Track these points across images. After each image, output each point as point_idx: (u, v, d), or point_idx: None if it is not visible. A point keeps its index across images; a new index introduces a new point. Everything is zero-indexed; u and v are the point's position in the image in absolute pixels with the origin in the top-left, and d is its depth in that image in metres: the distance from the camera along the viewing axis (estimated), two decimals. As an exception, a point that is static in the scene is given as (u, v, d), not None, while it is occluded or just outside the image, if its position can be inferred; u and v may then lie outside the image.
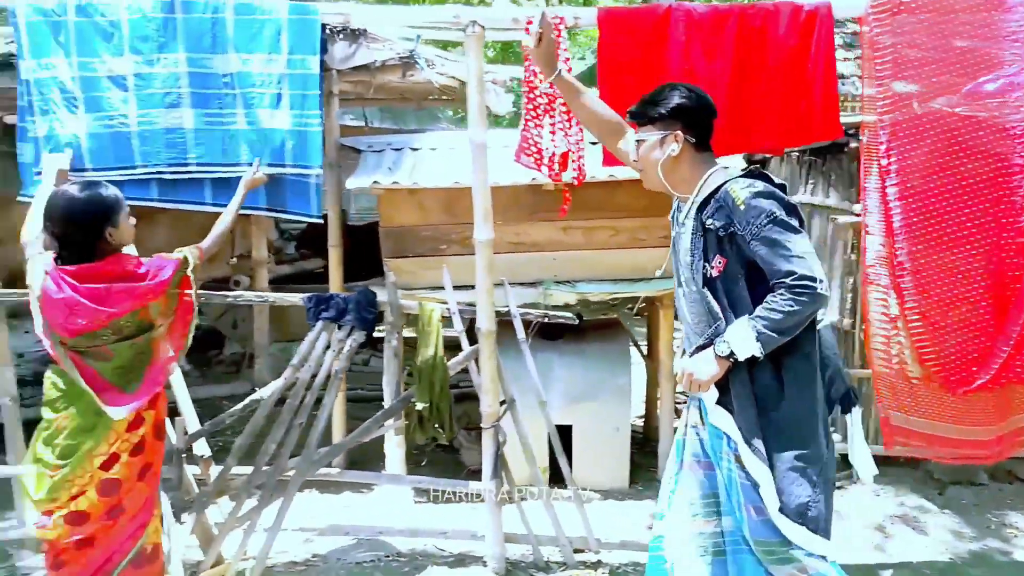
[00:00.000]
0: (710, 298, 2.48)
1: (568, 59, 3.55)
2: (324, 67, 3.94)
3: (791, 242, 2.36)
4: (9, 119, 4.79)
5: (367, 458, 4.77)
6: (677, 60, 3.53)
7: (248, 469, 3.72)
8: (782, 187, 2.53)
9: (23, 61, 3.66)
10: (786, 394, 2.45)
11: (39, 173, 3.64)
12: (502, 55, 12.73)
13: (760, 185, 2.46)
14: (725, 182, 2.48)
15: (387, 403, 4.34)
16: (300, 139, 3.79)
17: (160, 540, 3.08)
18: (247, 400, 3.80)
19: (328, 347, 3.78)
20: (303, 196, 3.86)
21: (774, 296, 2.36)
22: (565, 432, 4.40)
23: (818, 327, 2.52)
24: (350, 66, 4.38)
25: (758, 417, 2.46)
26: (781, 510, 2.40)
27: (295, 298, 3.89)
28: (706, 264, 2.50)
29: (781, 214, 2.39)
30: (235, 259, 6.79)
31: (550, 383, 4.43)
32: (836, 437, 2.98)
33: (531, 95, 3.62)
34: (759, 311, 2.38)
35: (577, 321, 4.01)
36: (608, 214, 4.53)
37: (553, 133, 3.62)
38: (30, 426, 3.01)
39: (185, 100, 3.73)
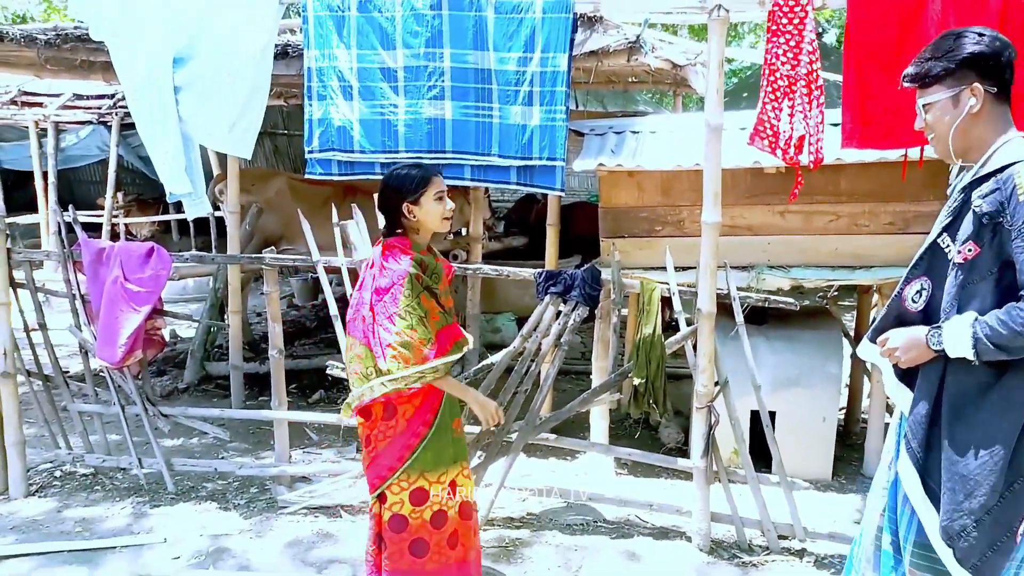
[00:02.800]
0: (947, 283, 2.19)
1: (814, 40, 3.44)
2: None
3: None
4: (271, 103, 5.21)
5: (567, 427, 4.90)
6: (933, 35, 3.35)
7: (476, 429, 3.93)
8: None
9: (308, 51, 4.03)
10: (981, 413, 2.15)
11: (311, 152, 4.00)
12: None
13: None
14: (1016, 162, 2.09)
15: (594, 378, 4.45)
16: (547, 134, 3.98)
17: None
18: (479, 365, 4.00)
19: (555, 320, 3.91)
20: (549, 175, 4.02)
21: (1012, 307, 2.05)
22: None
23: None
24: (582, 52, 4.46)
25: (931, 423, 2.22)
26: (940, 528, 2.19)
27: (527, 272, 4.05)
28: (951, 243, 2.19)
29: None
30: (453, 235, 7.15)
31: (756, 368, 4.37)
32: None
33: (771, 77, 3.55)
34: (989, 316, 2.08)
35: (798, 306, 3.92)
36: (829, 198, 4.40)
37: (792, 116, 3.54)
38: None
39: (447, 93, 3.97)
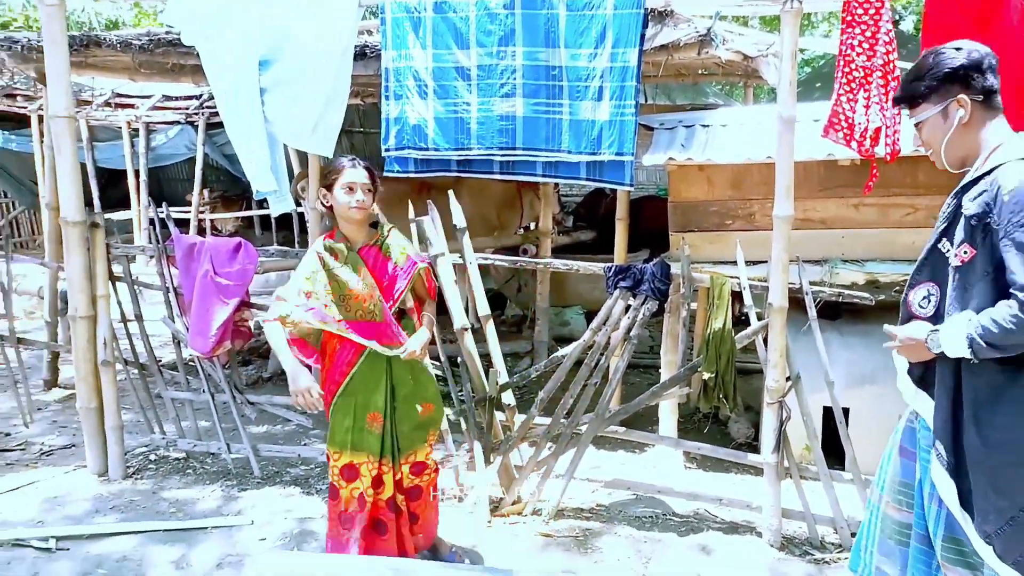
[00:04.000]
0: (949, 285, 2.21)
1: (890, 30, 3.36)
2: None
3: None
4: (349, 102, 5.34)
5: (636, 421, 4.89)
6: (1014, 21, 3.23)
7: (547, 420, 3.96)
8: None
9: (385, 52, 4.11)
10: (1000, 414, 2.14)
11: (388, 150, 4.08)
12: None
13: None
14: (1005, 163, 2.13)
15: (663, 372, 4.43)
16: (617, 129, 3.96)
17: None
18: (550, 358, 4.04)
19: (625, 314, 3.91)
20: (619, 170, 4.02)
21: (1001, 305, 2.06)
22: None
23: None
24: (652, 46, 4.43)
25: (956, 426, 2.21)
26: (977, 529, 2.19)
27: (596, 267, 4.06)
28: (950, 247, 2.22)
29: None
30: (523, 230, 7.19)
31: (829, 364, 4.28)
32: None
33: (846, 68, 3.47)
34: (982, 316, 2.09)
35: (873, 301, 3.83)
36: (907, 191, 4.28)
37: (867, 107, 3.46)
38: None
39: (518, 91, 4.00)
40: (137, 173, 10.54)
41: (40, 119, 10.17)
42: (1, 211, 12.65)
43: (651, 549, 3.61)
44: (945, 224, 2.27)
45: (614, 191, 7.55)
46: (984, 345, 2.07)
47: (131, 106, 10.20)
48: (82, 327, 4.22)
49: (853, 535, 3.67)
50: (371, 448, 3.15)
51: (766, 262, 3.70)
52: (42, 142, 9.88)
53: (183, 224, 9.42)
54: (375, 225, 3.28)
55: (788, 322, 3.65)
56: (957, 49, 2.25)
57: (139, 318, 4.53)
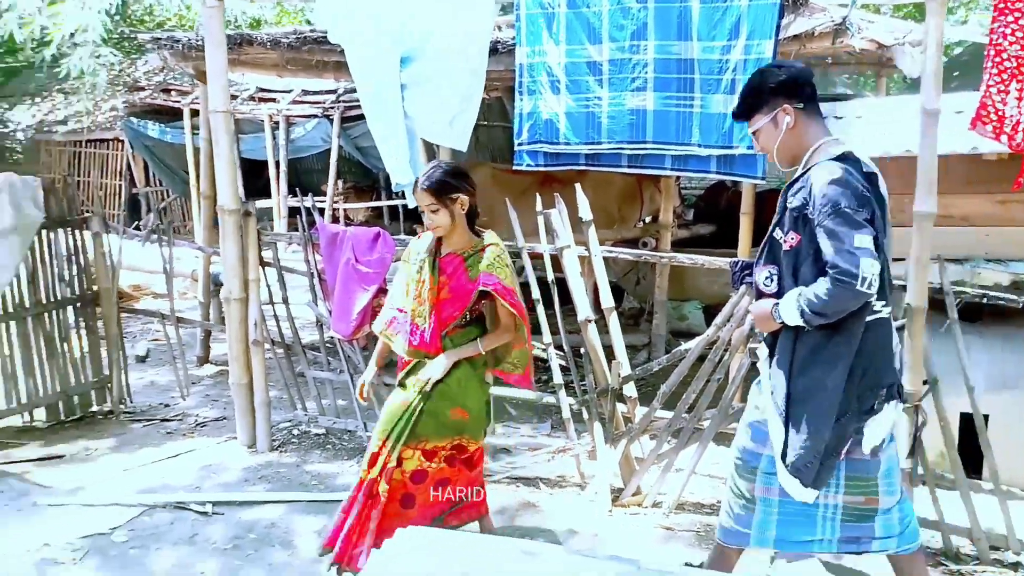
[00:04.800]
0: (784, 267, 2.59)
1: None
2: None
3: (847, 236, 2.37)
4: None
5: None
6: None
7: (669, 414, 3.94)
8: (871, 175, 2.53)
9: (520, 48, 4.17)
10: (815, 368, 2.54)
11: (520, 144, 4.15)
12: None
13: (840, 172, 2.44)
14: (817, 163, 2.53)
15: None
16: None
17: None
18: (673, 351, 4.00)
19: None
20: (750, 163, 3.94)
21: (820, 282, 2.43)
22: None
23: (870, 318, 2.52)
24: (785, 36, 4.30)
25: (789, 379, 2.60)
26: (785, 462, 2.60)
27: (721, 261, 4.00)
28: (781, 235, 2.58)
29: (847, 206, 2.39)
30: (642, 223, 7.12)
31: (970, 368, 4.05)
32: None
33: (997, 58, 3.27)
34: (807, 290, 2.47)
35: (1021, 303, 3.60)
36: (1059, 187, 3.97)
37: (1020, 99, 3.25)
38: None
39: (649, 84, 3.98)
40: (277, 164, 11.04)
41: (192, 113, 10.83)
42: (156, 199, 13.55)
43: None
44: (779, 216, 2.63)
45: (735, 185, 7.38)
46: (812, 314, 2.44)
47: (273, 100, 10.69)
48: (235, 308, 4.49)
49: (992, 548, 3.49)
50: (384, 428, 3.18)
51: (904, 260, 3.54)
52: (193, 134, 10.54)
53: (318, 214, 9.81)
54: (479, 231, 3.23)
55: (926, 324, 3.49)
56: (779, 67, 2.68)
57: (285, 301, 4.77)
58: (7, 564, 3.31)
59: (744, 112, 2.71)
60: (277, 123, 10.72)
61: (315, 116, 10.70)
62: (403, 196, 4.86)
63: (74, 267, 5.09)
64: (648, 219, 7.27)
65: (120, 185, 14.06)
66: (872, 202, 2.45)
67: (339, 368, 4.79)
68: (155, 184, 13.57)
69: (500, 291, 3.08)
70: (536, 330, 4.93)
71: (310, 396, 4.94)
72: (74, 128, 14.10)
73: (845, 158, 2.51)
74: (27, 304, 4.84)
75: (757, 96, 2.65)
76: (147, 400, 5.55)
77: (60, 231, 4.99)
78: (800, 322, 2.48)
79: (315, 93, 10.68)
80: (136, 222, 12.74)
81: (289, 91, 10.76)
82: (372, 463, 3.17)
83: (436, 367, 3.11)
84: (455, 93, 4.11)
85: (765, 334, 2.76)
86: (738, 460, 2.82)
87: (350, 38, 4.21)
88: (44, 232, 4.88)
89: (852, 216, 2.38)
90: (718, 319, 3.88)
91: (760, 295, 2.71)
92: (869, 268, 2.34)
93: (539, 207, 4.20)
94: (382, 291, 4.43)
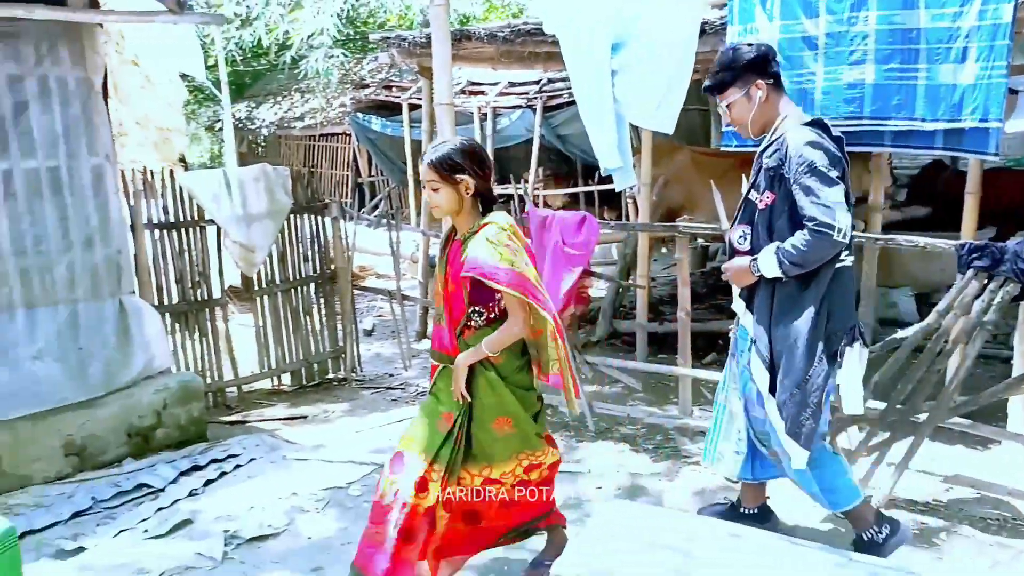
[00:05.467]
0: (760, 225, 2.84)
1: None
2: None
3: (823, 191, 2.61)
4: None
5: (973, 414, 4.36)
6: None
7: (881, 405, 3.69)
8: (839, 139, 2.75)
9: (731, 26, 4.08)
10: (793, 313, 2.80)
11: (728, 124, 4.04)
12: None
13: (813, 135, 2.70)
14: (788, 129, 2.77)
15: (1016, 362, 3.89)
16: (982, 93, 3.57)
17: None
18: (887, 340, 3.76)
19: (977, 296, 3.49)
20: (982, 138, 3.61)
21: (798, 234, 2.68)
22: None
23: (837, 265, 2.77)
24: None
25: (769, 328, 2.88)
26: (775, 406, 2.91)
27: (944, 244, 3.68)
28: (757, 195, 2.83)
29: (822, 164, 2.63)
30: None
31: None
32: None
33: None
34: (786, 243, 2.72)
35: None
36: None
37: None
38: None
39: (869, 57, 3.74)
40: (484, 153, 11.43)
41: (410, 107, 11.47)
42: (379, 188, 14.49)
43: (998, 554, 3.23)
44: (753, 179, 2.88)
45: (954, 164, 6.71)
46: (789, 264, 2.70)
47: (482, 93, 11.08)
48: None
49: None
50: (429, 445, 2.74)
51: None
52: (411, 127, 11.16)
53: (520, 200, 10.08)
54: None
55: None
56: (749, 45, 2.89)
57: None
58: (264, 508, 3.71)
59: (717, 87, 2.88)
60: (485, 114, 11.08)
61: (519, 107, 10.96)
62: (611, 180, 4.87)
63: (315, 249, 5.60)
64: (859, 199, 6.80)
65: (347, 175, 15.19)
66: (842, 161, 2.69)
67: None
68: (377, 174, 14.52)
69: (485, 274, 2.59)
70: (730, 314, 4.79)
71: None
72: (309, 124, 15.40)
73: (816, 123, 2.77)
74: (277, 280, 5.39)
75: (730, 72, 2.82)
76: (374, 370, 6.01)
77: (305, 216, 5.50)
78: (778, 273, 2.73)
79: (520, 84, 10.94)
80: (361, 209, 13.73)
81: (496, 83, 11.10)
82: (421, 487, 2.68)
83: (456, 378, 2.73)
84: (663, 76, 4.07)
85: (741, 289, 2.99)
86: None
87: (564, 27, 4.28)
88: (292, 217, 5.39)
89: (826, 174, 2.62)
90: (940, 305, 3.58)
91: (734, 253, 2.94)
92: (844, 219, 2.60)
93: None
94: (587, 273, 4.50)
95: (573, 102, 10.23)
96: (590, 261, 4.50)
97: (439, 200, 2.71)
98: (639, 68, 4.08)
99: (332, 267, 5.70)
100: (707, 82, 2.94)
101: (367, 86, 13.65)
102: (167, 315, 4.78)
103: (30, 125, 3.98)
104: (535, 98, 10.56)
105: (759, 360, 2.91)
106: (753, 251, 2.87)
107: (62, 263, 4.13)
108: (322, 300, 5.69)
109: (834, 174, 2.65)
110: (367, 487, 3.92)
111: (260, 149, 16.76)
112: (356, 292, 6.16)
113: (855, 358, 2.86)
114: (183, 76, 11.23)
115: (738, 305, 3.07)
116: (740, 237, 2.93)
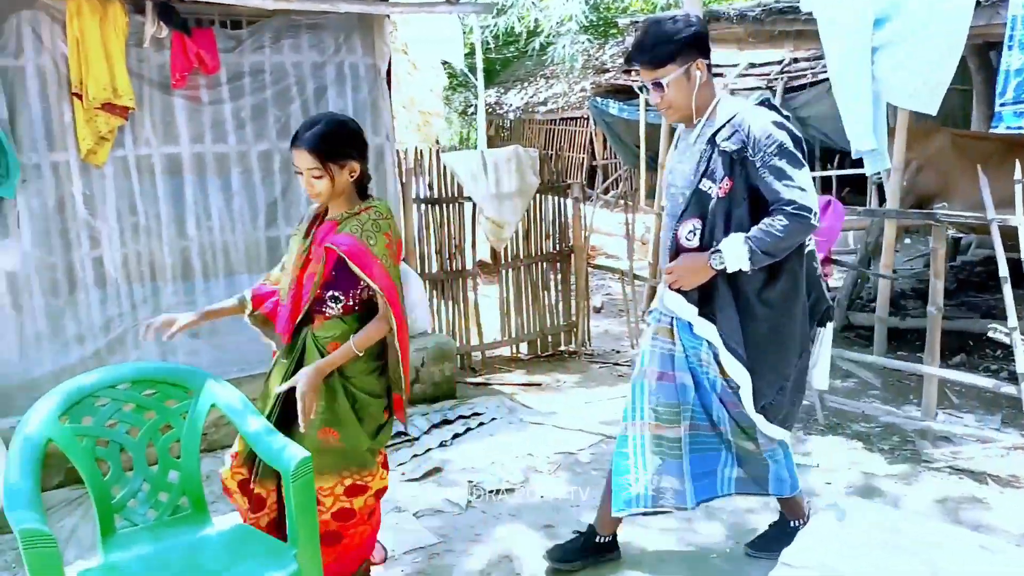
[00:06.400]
0: (716, 217, 2.49)
1: None
2: None
3: (796, 174, 2.39)
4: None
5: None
6: None
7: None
8: (788, 118, 2.53)
9: None
10: (773, 307, 2.54)
11: (1004, 104, 3.59)
12: None
13: (776, 116, 2.47)
14: (741, 110, 2.47)
15: None
16: None
17: None
18: None
19: None
20: None
21: (772, 220, 2.40)
22: None
23: (806, 250, 2.58)
24: None
25: (741, 326, 2.53)
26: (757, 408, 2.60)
27: None
28: (712, 184, 2.47)
29: (790, 145, 2.41)
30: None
31: None
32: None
33: None
34: (755, 231, 2.41)
35: None
36: None
37: None
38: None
39: None
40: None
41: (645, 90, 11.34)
42: (612, 170, 14.54)
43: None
44: (704, 167, 2.48)
45: None
46: (762, 254, 2.39)
47: (720, 75, 10.68)
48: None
49: None
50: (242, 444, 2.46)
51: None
52: (647, 111, 11.03)
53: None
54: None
55: None
56: (689, 16, 2.50)
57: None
58: (503, 465, 3.91)
59: (653, 62, 2.47)
60: (724, 96, 10.67)
61: (759, 88, 10.44)
62: (854, 164, 4.52)
63: (556, 227, 5.75)
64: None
65: (583, 158, 15.38)
66: (802, 142, 2.46)
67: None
68: (610, 156, 14.57)
69: (352, 252, 2.33)
70: (994, 313, 4.26)
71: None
72: (551, 108, 15.77)
73: (768, 103, 2.56)
74: (521, 256, 5.61)
75: (669, 47, 2.44)
76: (602, 345, 6.07)
77: (548, 196, 5.66)
78: (746, 266, 2.42)
79: (760, 65, 10.41)
80: (593, 190, 13.89)
81: (735, 65, 10.65)
82: (258, 505, 2.51)
83: (301, 380, 2.33)
84: (930, 53, 3.65)
85: (689, 290, 2.56)
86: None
87: (821, 4, 3.98)
88: (537, 196, 5.56)
89: (796, 155, 2.40)
90: None
91: (678, 252, 2.56)
92: (816, 202, 2.42)
93: (1018, 174, 3.58)
94: (828, 260, 4.22)
95: (816, 83, 9.58)
96: (831, 248, 4.22)
97: (322, 187, 2.37)
98: (904, 44, 3.69)
99: (570, 245, 5.83)
100: (636, 55, 2.51)
101: (607, 71, 13.69)
102: (426, 282, 5.17)
103: (328, 107, 4.40)
104: (776, 79, 9.99)
105: (735, 360, 2.54)
106: (704, 247, 2.50)
107: (348, 231, 4.60)
108: (559, 276, 5.84)
109: (800, 155, 2.43)
110: (595, 455, 4.00)
111: (505, 132, 17.44)
112: (589, 270, 6.25)
113: (828, 337, 2.78)
114: (443, 63, 11.96)
115: (681, 307, 2.58)
116: (690, 232, 2.52)
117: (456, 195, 5.28)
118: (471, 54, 11.58)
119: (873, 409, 4.31)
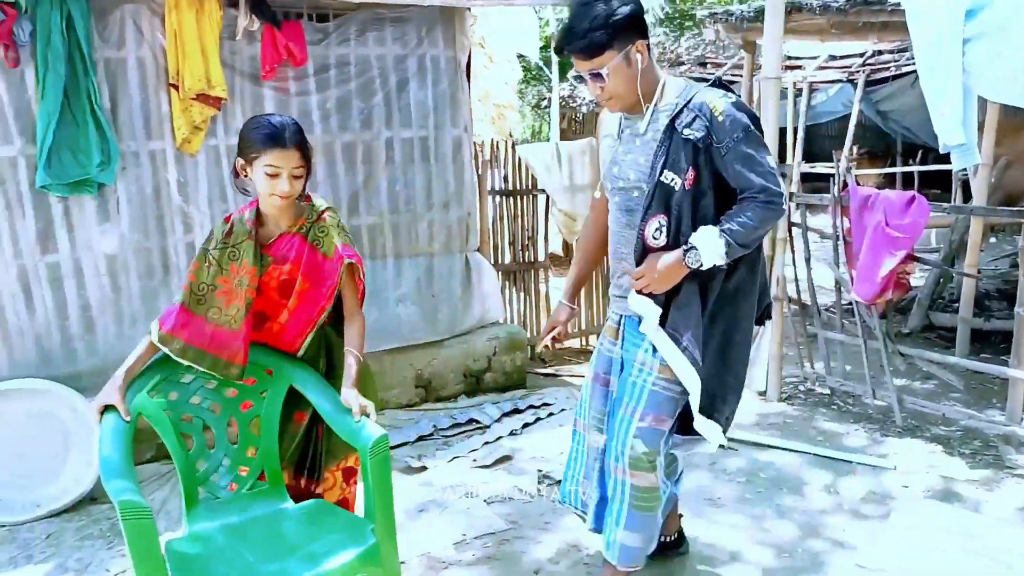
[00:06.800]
0: (682, 210, 2.24)
1: None
2: None
3: (763, 158, 2.19)
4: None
5: None
6: None
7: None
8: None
9: None
10: (737, 304, 2.35)
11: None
12: None
13: (733, 97, 2.23)
14: (696, 92, 2.23)
15: None
16: None
17: None
18: None
19: None
20: None
21: (744, 209, 2.20)
22: None
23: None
24: None
25: (705, 325, 2.30)
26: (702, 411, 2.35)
27: None
28: (675, 176, 2.21)
29: (753, 127, 2.19)
30: None
31: None
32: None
33: None
34: (729, 223, 2.19)
35: None
36: None
37: None
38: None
39: None
40: (795, 130, 10.72)
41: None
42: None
43: None
44: (663, 158, 2.23)
45: None
46: (738, 245, 2.18)
47: (799, 68, 10.35)
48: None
49: None
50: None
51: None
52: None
53: (827, 180, 9.30)
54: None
55: None
56: None
57: (807, 262, 4.63)
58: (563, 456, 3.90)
59: (587, 50, 2.16)
60: (800, 90, 10.35)
61: (839, 81, 10.08)
62: (937, 160, 4.30)
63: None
64: None
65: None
66: (759, 122, 2.26)
67: (853, 332, 4.52)
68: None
69: (360, 262, 2.38)
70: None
71: (819, 356, 4.77)
72: (622, 102, 15.56)
73: (720, 83, 2.32)
74: (591, 248, 5.56)
75: (605, 31, 2.13)
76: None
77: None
78: (722, 260, 2.19)
79: (841, 58, 10.05)
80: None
81: (815, 57, 10.30)
82: None
83: (357, 401, 2.34)
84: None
85: (656, 294, 2.29)
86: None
87: (913, -7, 3.77)
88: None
89: (759, 137, 2.21)
90: None
91: (644, 254, 2.30)
92: (784, 186, 2.19)
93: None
94: (910, 257, 4.03)
95: (900, 75, 9.20)
96: (914, 246, 4.03)
97: (298, 188, 2.30)
98: (999, 34, 3.46)
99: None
100: (571, 42, 2.18)
101: (682, 63, 13.43)
102: (499, 273, 5.17)
103: (409, 99, 4.45)
104: (857, 71, 9.62)
105: (687, 361, 2.26)
106: (671, 245, 2.24)
107: (424, 221, 4.63)
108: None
109: (763, 138, 2.25)
110: (664, 449, 3.94)
111: (577, 126, 17.32)
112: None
113: (768, 336, 2.60)
114: (519, 56, 11.94)
115: (646, 311, 2.31)
116: (656, 230, 2.26)
117: (530, 187, 5.27)
118: (546, 47, 11.52)
119: (954, 412, 4.12)
